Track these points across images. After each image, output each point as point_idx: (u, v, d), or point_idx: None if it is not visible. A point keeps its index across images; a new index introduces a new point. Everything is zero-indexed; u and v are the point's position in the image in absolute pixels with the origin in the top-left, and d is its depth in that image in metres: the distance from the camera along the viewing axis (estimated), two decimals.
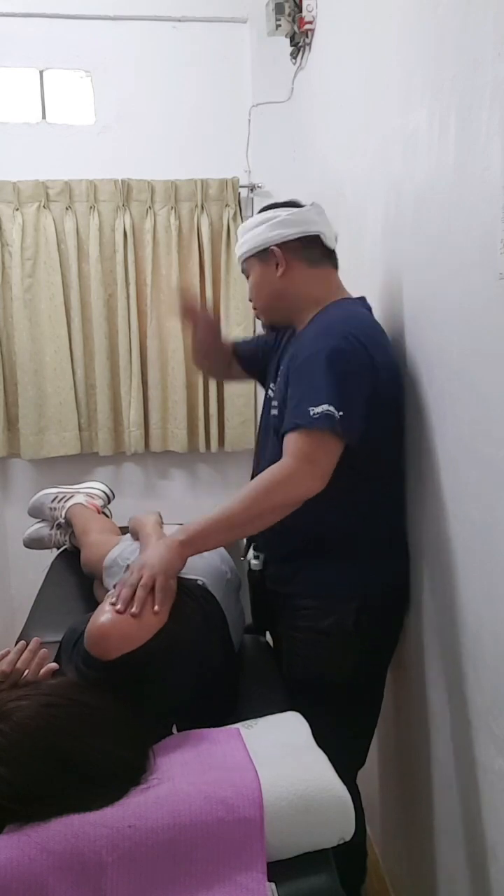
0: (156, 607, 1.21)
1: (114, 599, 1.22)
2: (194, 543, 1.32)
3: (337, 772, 1.10)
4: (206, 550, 1.39)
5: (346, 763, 1.29)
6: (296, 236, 1.47)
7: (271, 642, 1.73)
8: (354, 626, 1.44)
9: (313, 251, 1.49)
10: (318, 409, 1.29)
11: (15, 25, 2.69)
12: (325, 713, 1.32)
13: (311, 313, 1.48)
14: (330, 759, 1.14)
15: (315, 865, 1.03)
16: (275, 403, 1.51)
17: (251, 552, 1.61)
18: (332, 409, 1.28)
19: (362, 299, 1.53)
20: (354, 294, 1.55)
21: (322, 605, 1.46)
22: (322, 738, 1.19)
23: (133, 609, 1.19)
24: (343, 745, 1.27)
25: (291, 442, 1.33)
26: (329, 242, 1.51)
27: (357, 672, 1.49)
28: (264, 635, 1.74)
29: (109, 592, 1.52)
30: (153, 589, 1.23)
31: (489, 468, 1.10)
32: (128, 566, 1.61)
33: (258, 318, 1.62)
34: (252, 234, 1.50)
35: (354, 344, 1.35)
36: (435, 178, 1.27)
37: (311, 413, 1.29)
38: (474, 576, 1.19)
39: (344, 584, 1.45)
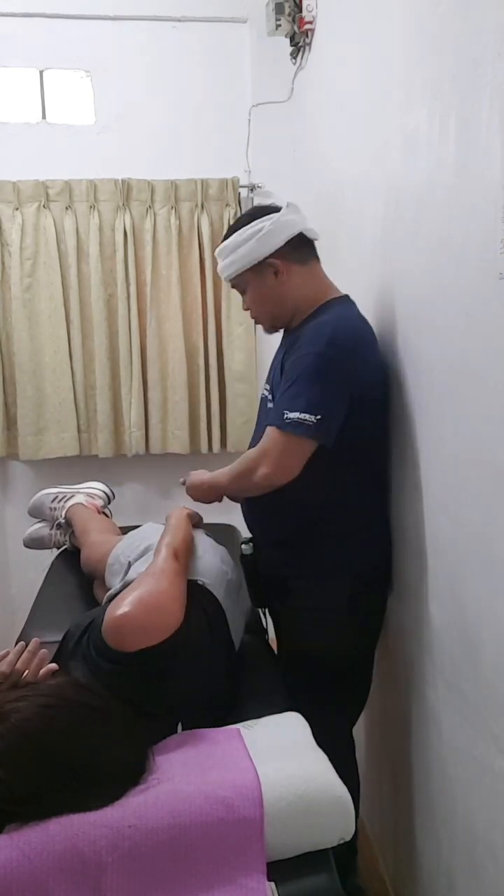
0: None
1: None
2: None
3: (330, 727, 1.20)
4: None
5: (341, 720, 1.65)
6: (285, 241, 1.50)
7: (268, 618, 1.82)
8: (349, 603, 1.53)
9: (301, 250, 1.54)
10: (292, 415, 1.40)
11: (15, 25, 2.69)
12: (315, 688, 1.52)
13: (305, 312, 1.55)
14: (321, 719, 1.22)
15: (315, 865, 1.03)
16: (270, 397, 1.60)
17: (241, 537, 1.73)
18: (305, 415, 1.39)
19: (347, 297, 1.58)
20: (349, 290, 1.61)
21: (315, 584, 1.55)
22: (313, 703, 1.30)
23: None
24: (334, 709, 1.52)
25: (265, 436, 1.47)
26: (311, 235, 1.56)
27: (349, 646, 1.58)
28: (262, 614, 1.83)
29: (111, 591, 1.53)
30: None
31: (489, 467, 1.10)
32: (129, 563, 1.62)
33: (259, 325, 1.66)
34: (242, 251, 1.51)
35: (339, 350, 1.42)
36: (435, 178, 1.27)
37: (285, 417, 1.41)
38: (474, 575, 1.19)
39: (336, 564, 1.54)
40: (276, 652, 1.72)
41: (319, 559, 1.54)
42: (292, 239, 1.51)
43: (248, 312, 1.64)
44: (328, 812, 1.04)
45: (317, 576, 1.55)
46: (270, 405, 1.57)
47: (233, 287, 1.63)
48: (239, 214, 2.83)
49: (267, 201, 1.67)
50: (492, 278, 1.05)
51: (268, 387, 1.65)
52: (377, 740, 1.88)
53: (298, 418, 1.39)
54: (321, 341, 1.43)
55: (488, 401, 1.10)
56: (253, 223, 1.51)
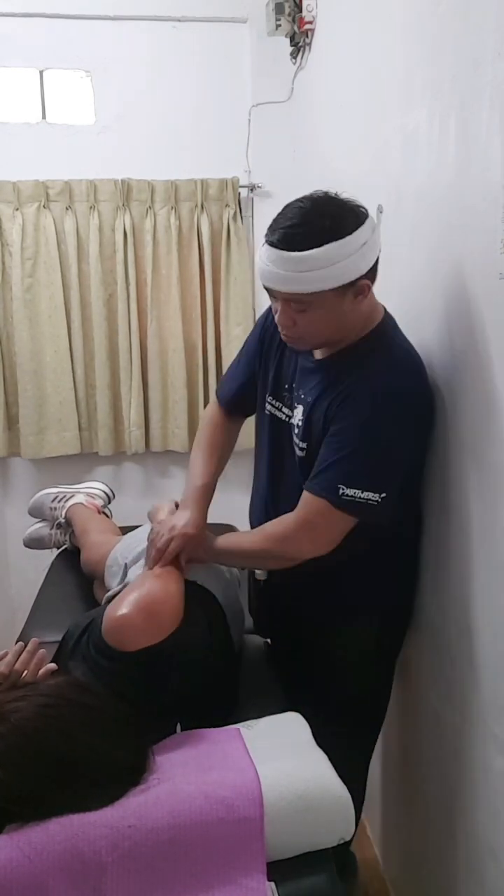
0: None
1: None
2: (217, 559, 1.45)
3: (351, 760, 1.15)
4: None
5: (360, 759, 1.54)
6: (377, 258, 1.24)
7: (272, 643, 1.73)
8: (375, 646, 1.46)
9: (376, 272, 1.27)
10: (350, 493, 1.22)
11: (15, 25, 2.69)
12: (340, 724, 1.35)
13: (352, 339, 1.30)
14: (342, 751, 1.16)
15: (315, 865, 1.03)
16: (299, 437, 1.37)
17: None
18: (369, 494, 1.22)
19: (390, 316, 1.36)
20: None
21: (341, 624, 1.44)
22: (333, 749, 1.17)
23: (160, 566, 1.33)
24: (350, 755, 1.32)
25: (307, 505, 1.28)
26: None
27: (373, 687, 1.52)
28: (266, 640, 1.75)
29: (110, 591, 1.53)
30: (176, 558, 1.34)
31: (490, 470, 1.10)
32: (126, 566, 1.62)
33: (293, 344, 1.34)
34: (341, 266, 1.17)
35: (407, 412, 1.25)
36: (435, 178, 1.27)
37: (340, 493, 1.23)
38: (474, 576, 1.19)
39: (363, 602, 1.42)
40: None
41: (344, 599, 1.41)
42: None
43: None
44: (328, 812, 1.04)
45: (341, 616, 1.43)
46: (299, 448, 1.36)
47: (286, 300, 1.23)
48: (238, 214, 2.83)
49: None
50: (492, 278, 1.05)
51: (281, 407, 1.43)
52: (378, 741, 1.87)
53: (361, 497, 1.21)
54: (389, 414, 1.22)
55: (489, 401, 1.10)
56: (356, 231, 1.18)
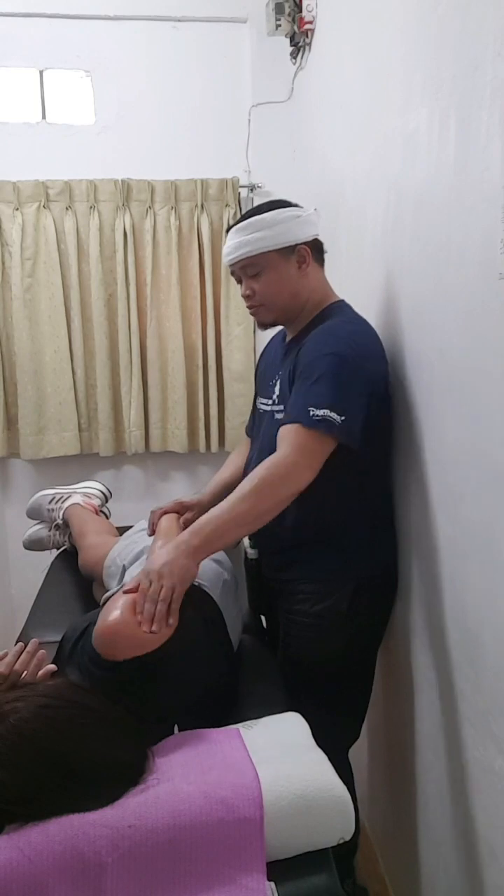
0: (170, 620, 1.23)
1: (134, 608, 1.23)
2: (209, 547, 1.35)
3: (328, 744, 1.15)
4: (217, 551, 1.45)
5: (337, 737, 1.54)
6: (313, 236, 1.50)
7: (266, 625, 1.80)
8: (348, 610, 1.50)
9: (320, 253, 1.55)
10: (320, 413, 1.34)
11: (15, 25, 2.69)
12: (317, 691, 1.50)
13: (310, 315, 1.53)
14: (321, 733, 1.19)
15: (315, 865, 1.03)
16: (278, 408, 1.53)
17: (247, 542, 1.67)
18: (332, 414, 1.34)
19: (344, 301, 1.57)
20: (350, 290, 1.61)
21: (318, 589, 1.52)
22: (313, 714, 1.25)
23: (154, 627, 1.21)
24: (333, 721, 1.42)
25: (291, 434, 1.37)
26: (323, 246, 1.57)
27: (349, 652, 1.56)
28: (261, 619, 1.81)
29: (108, 592, 1.52)
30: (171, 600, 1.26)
31: (489, 467, 1.10)
32: (124, 567, 1.62)
33: (258, 316, 1.57)
34: (278, 229, 1.45)
35: (358, 350, 1.41)
36: (435, 178, 1.27)
37: (311, 414, 1.35)
38: (474, 575, 1.19)
39: (340, 570, 1.52)
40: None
41: (322, 565, 1.52)
42: (315, 238, 1.52)
43: (247, 311, 1.59)
44: (328, 812, 1.04)
45: (319, 582, 1.52)
46: (280, 416, 1.51)
47: (242, 268, 1.50)
48: (238, 214, 2.83)
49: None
50: (492, 278, 1.05)
51: (268, 401, 1.59)
52: (378, 740, 1.88)
53: (326, 416, 1.34)
54: (340, 342, 1.41)
55: (489, 400, 1.10)
56: (289, 208, 1.49)
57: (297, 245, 1.47)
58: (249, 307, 1.56)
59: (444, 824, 1.40)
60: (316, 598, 1.51)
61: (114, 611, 1.22)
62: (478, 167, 1.09)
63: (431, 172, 1.29)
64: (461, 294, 1.18)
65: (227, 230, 1.54)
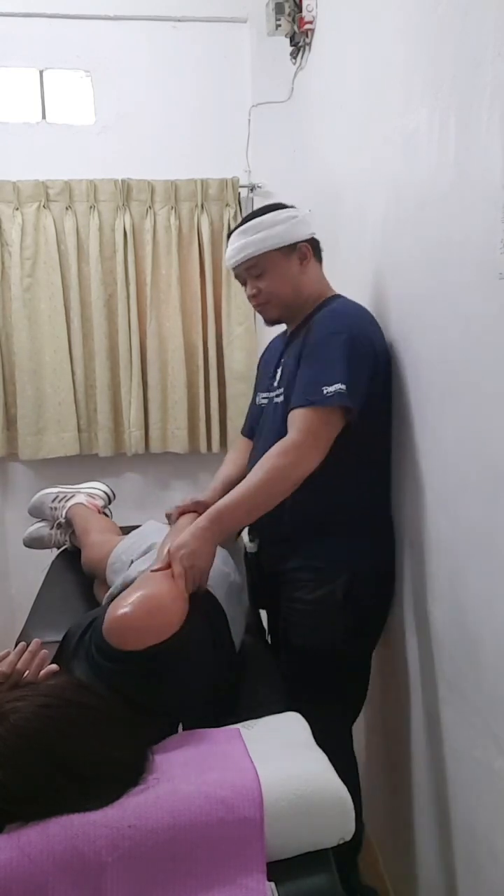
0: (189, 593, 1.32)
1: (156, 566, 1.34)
2: (223, 529, 1.43)
3: (327, 734, 1.17)
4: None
5: (335, 726, 1.61)
6: (311, 235, 1.60)
7: (266, 619, 1.83)
8: (344, 598, 1.53)
9: (318, 251, 1.64)
10: (332, 388, 1.40)
11: (15, 25, 2.69)
12: (315, 679, 1.55)
13: (310, 309, 1.60)
14: (319, 715, 1.22)
15: (315, 865, 1.03)
16: (278, 391, 1.60)
17: (245, 536, 1.70)
18: (343, 387, 1.40)
19: (340, 295, 1.64)
20: (349, 290, 1.65)
21: (316, 577, 1.55)
22: (311, 700, 1.31)
23: (188, 587, 1.32)
24: (331, 705, 1.53)
25: (301, 418, 1.43)
26: (320, 244, 1.65)
27: (345, 641, 1.57)
28: (260, 616, 1.83)
29: (112, 588, 1.53)
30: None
31: (489, 466, 1.10)
32: (132, 562, 1.62)
33: (265, 313, 1.64)
34: (278, 230, 1.54)
35: (362, 331, 1.49)
36: (435, 178, 1.27)
37: (325, 392, 1.40)
38: (473, 575, 1.19)
39: (337, 559, 1.55)
40: (272, 649, 1.72)
41: (320, 556, 1.55)
42: (313, 237, 1.61)
43: (249, 311, 1.64)
44: (328, 812, 1.04)
45: (315, 571, 1.55)
46: (279, 400, 1.58)
47: (246, 269, 1.59)
48: (238, 214, 2.84)
49: (269, 202, 1.69)
50: (492, 278, 1.05)
51: (267, 392, 1.65)
52: (378, 740, 1.88)
53: (338, 390, 1.40)
54: (342, 325, 1.48)
55: (488, 400, 1.10)
56: (286, 209, 1.59)
57: (297, 243, 1.56)
58: (256, 305, 1.64)
59: (443, 824, 1.40)
60: (314, 584, 1.55)
61: (127, 601, 1.24)
62: (478, 167, 1.09)
63: (431, 172, 1.29)
64: (461, 294, 1.18)
65: (229, 234, 1.62)
